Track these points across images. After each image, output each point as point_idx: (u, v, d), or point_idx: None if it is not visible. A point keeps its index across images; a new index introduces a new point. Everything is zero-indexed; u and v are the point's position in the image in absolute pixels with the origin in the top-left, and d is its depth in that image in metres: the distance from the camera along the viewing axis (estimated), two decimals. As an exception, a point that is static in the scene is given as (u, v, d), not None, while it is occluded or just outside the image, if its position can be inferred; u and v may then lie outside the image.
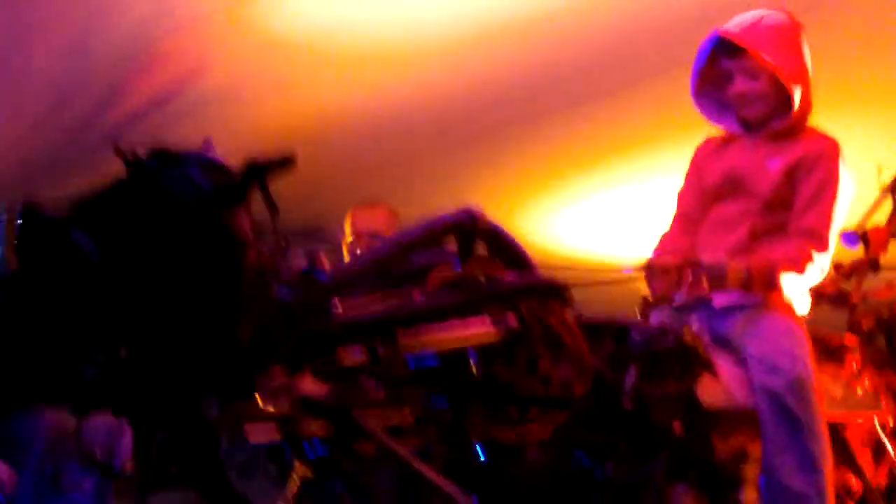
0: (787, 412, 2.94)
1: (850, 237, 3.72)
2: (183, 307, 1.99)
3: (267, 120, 5.35)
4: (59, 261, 1.96)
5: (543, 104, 5.77)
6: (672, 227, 3.44)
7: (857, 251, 3.78)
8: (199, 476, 2.26)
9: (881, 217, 3.88)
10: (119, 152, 2.00)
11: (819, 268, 3.18)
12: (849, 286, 3.76)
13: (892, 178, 3.86)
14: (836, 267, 3.72)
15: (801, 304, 3.27)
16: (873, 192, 3.90)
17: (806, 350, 3.07)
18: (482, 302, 2.55)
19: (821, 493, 2.93)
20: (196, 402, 2.16)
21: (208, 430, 2.21)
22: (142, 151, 2.04)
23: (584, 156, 6.26)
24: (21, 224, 2.00)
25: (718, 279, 3.03)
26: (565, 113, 5.83)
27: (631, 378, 2.71)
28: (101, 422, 4.87)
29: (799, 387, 2.96)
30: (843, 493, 3.35)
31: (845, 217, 3.31)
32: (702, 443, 2.77)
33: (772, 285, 3.13)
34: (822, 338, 3.49)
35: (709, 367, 2.76)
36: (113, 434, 4.83)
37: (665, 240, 3.40)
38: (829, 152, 3.25)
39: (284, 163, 1.98)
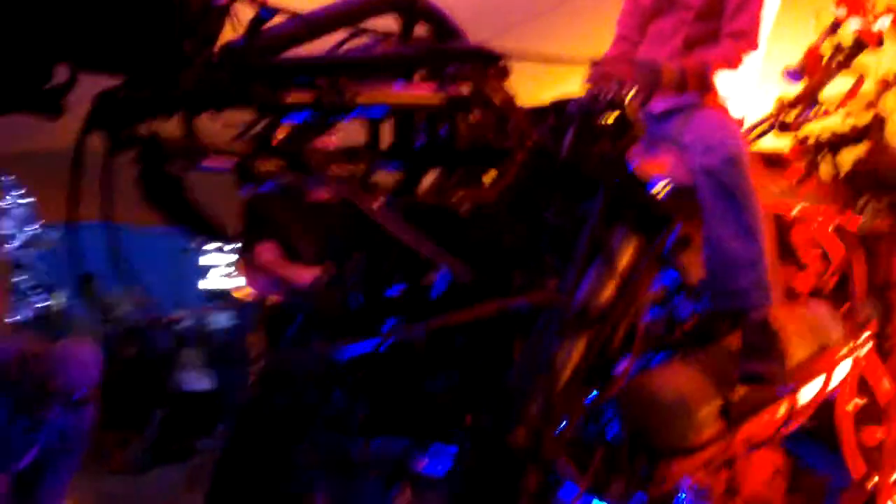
0: (723, 186, 3.09)
1: (792, 73, 3.90)
2: (124, 8, 2.11)
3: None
4: None
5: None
6: (612, 48, 3.60)
7: (799, 85, 3.94)
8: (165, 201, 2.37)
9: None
10: None
11: (749, 63, 3.32)
12: (791, 117, 3.92)
13: (831, 21, 4.01)
14: (780, 100, 3.89)
15: (737, 106, 3.40)
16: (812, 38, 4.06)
17: (738, 134, 3.25)
18: (423, 58, 2.70)
19: (758, 257, 3.08)
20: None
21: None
22: None
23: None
24: None
25: (654, 79, 3.18)
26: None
27: (568, 139, 2.85)
28: (62, 350, 5.00)
29: (733, 163, 3.12)
30: (789, 291, 3.47)
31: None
32: (636, 188, 2.90)
33: (705, 84, 3.28)
34: (766, 152, 3.65)
35: (640, 129, 2.89)
36: (73, 363, 4.96)
37: (607, 55, 3.55)
38: None
39: None
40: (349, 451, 3.06)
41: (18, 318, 11.04)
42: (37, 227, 12.10)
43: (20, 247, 12.64)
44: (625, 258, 2.88)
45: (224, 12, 2.30)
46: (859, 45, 3.99)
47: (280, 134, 2.55)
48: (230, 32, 2.40)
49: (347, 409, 3.00)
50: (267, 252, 4.39)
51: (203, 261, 13.83)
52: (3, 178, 8.17)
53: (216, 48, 2.31)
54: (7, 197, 9.38)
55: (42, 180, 8.69)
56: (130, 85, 2.23)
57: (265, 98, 2.42)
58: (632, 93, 2.96)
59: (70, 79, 2.19)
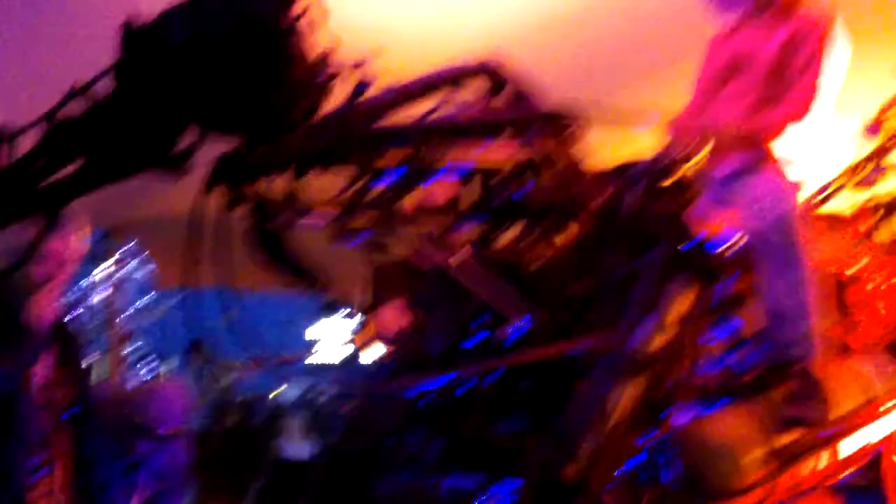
0: (775, 245, 3.44)
1: (870, 128, 4.23)
2: (244, 82, 2.52)
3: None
4: (153, 49, 2.47)
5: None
6: (686, 110, 3.95)
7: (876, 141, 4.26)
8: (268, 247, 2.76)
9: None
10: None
11: (809, 126, 3.65)
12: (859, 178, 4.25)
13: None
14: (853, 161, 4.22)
15: (798, 168, 3.71)
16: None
17: (792, 196, 3.56)
18: (502, 123, 3.09)
19: (807, 310, 3.40)
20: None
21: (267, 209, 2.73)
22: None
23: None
24: (123, 31, 2.51)
25: (711, 142, 3.53)
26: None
27: (632, 198, 3.22)
28: (150, 388, 5.37)
29: (785, 223, 3.46)
30: (841, 346, 3.74)
31: (840, 85, 3.75)
32: (692, 244, 3.25)
33: (757, 146, 3.61)
34: (826, 213, 3.97)
35: (698, 190, 3.24)
36: (159, 400, 5.33)
37: (681, 116, 3.90)
38: (820, 25, 3.74)
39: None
40: (425, 486, 3.40)
41: (129, 385, 11.53)
42: (153, 294, 12.72)
43: (134, 315, 13.27)
44: (678, 309, 3.20)
45: (326, 85, 2.71)
46: None
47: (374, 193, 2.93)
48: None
49: (424, 448, 3.34)
50: (393, 312, 4.88)
51: (309, 331, 14.25)
52: (124, 245, 8.72)
53: (319, 116, 2.70)
54: (129, 264, 9.95)
55: (160, 245, 9.22)
56: (247, 147, 2.64)
57: (361, 159, 2.81)
58: (692, 156, 3.32)
59: (196, 141, 2.61)
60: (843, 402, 3.44)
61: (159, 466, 5.28)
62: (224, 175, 2.64)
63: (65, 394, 4.47)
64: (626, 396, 3.04)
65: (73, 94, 2.46)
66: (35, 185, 2.43)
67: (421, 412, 3.26)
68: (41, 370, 4.22)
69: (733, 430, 3.18)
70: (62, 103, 2.47)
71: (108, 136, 2.47)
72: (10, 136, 2.41)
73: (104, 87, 2.50)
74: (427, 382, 3.22)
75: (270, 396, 12.64)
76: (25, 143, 2.46)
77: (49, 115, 2.46)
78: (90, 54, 2.50)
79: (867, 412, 3.54)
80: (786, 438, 3.26)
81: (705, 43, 4.09)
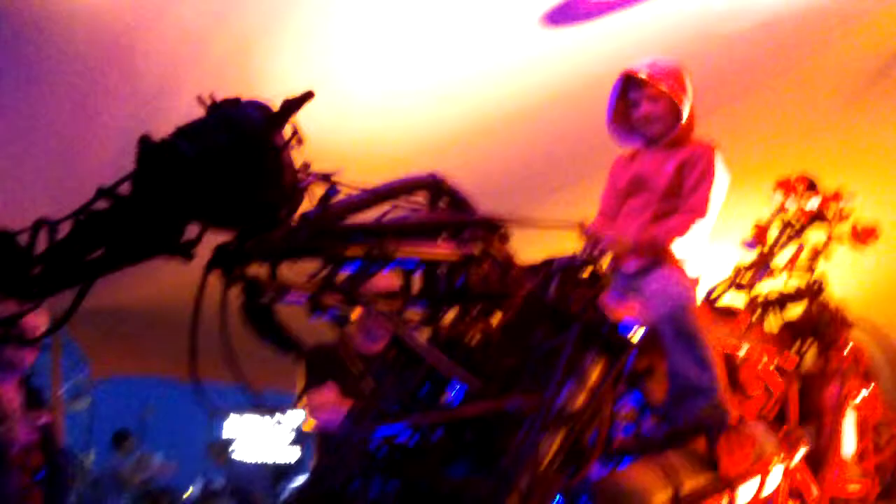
0: (680, 328, 4.22)
1: (749, 244, 5.07)
2: (242, 188, 3.21)
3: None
4: (168, 160, 3.14)
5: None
6: (596, 221, 4.75)
7: (753, 252, 5.11)
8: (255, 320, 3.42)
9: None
10: (201, 101, 3.26)
11: (699, 232, 4.45)
12: (746, 279, 5.07)
13: (781, 202, 5.20)
14: (738, 265, 5.05)
15: (693, 266, 4.51)
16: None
17: (690, 288, 4.37)
18: (445, 225, 3.83)
19: (712, 382, 4.19)
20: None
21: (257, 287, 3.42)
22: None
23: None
24: (141, 144, 3.19)
25: (615, 246, 4.33)
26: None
27: (553, 287, 3.98)
28: None
29: (684, 309, 4.27)
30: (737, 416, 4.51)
31: (722, 203, 4.62)
32: (603, 325, 4.00)
33: (658, 251, 4.43)
34: (721, 306, 4.78)
35: (608, 280, 4.02)
36: None
37: (592, 224, 4.70)
38: (707, 152, 4.68)
39: (306, 97, 3.26)
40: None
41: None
42: (80, 383, 13.15)
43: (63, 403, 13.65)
44: (592, 376, 3.96)
45: (305, 189, 3.42)
46: (812, 220, 5.15)
47: (339, 278, 3.63)
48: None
49: (383, 491, 4.00)
50: (328, 392, 5.68)
51: (229, 424, 14.68)
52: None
53: (297, 215, 3.41)
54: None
55: (88, 336, 9.74)
56: (239, 239, 3.33)
57: (330, 251, 3.52)
58: (601, 255, 4.11)
59: (199, 234, 3.28)
60: (740, 458, 4.17)
61: None
62: (220, 261, 3.31)
63: (37, 456, 5.12)
64: (552, 444, 3.75)
65: (99, 193, 3.10)
66: (68, 264, 3.05)
67: (380, 459, 3.92)
68: (21, 433, 4.87)
69: (645, 477, 3.89)
70: (91, 201, 3.11)
71: (126, 228, 3.11)
72: (52, 225, 3.02)
73: (124, 188, 3.16)
74: (384, 432, 3.89)
75: (193, 486, 13.08)
76: (62, 231, 3.09)
77: (80, 210, 3.10)
78: (112, 160, 3.18)
79: (759, 466, 4.29)
80: (689, 484, 3.97)
81: (609, 164, 4.93)
